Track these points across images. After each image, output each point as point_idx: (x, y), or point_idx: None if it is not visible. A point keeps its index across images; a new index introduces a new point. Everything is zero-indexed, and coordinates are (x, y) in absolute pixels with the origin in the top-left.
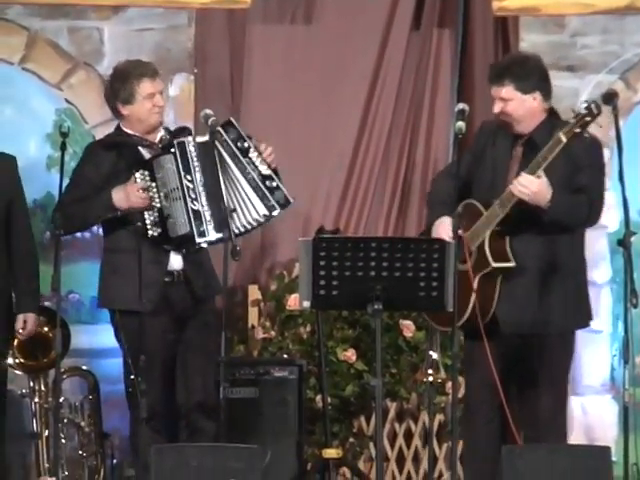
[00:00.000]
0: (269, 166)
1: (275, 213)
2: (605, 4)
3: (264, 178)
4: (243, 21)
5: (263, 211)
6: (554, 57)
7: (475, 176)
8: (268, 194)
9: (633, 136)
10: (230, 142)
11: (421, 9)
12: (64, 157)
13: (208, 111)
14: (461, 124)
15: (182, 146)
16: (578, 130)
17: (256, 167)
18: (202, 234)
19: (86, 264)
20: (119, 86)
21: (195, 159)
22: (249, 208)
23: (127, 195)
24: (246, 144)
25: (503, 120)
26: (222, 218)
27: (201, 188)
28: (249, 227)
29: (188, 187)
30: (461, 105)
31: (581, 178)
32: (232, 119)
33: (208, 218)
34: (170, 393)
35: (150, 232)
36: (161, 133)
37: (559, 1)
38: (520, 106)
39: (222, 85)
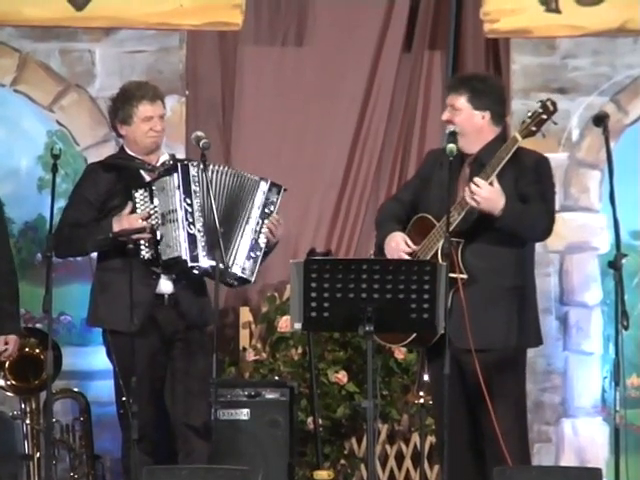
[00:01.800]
0: (268, 242)
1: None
2: (596, 26)
3: (255, 245)
4: (234, 43)
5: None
6: (545, 79)
7: (422, 198)
8: (244, 258)
9: (624, 158)
10: (265, 199)
11: (412, 31)
12: (55, 179)
13: (199, 133)
14: (452, 146)
15: (185, 169)
16: (534, 128)
17: (259, 232)
18: (194, 259)
19: (77, 286)
20: (120, 106)
21: (196, 184)
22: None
23: (128, 223)
24: (272, 209)
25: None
26: (215, 245)
27: (198, 213)
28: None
29: (186, 210)
30: (452, 127)
31: (534, 189)
32: (285, 188)
33: (202, 244)
34: (161, 414)
35: (143, 253)
36: (165, 157)
37: (550, 23)
38: (467, 120)
39: (213, 107)
